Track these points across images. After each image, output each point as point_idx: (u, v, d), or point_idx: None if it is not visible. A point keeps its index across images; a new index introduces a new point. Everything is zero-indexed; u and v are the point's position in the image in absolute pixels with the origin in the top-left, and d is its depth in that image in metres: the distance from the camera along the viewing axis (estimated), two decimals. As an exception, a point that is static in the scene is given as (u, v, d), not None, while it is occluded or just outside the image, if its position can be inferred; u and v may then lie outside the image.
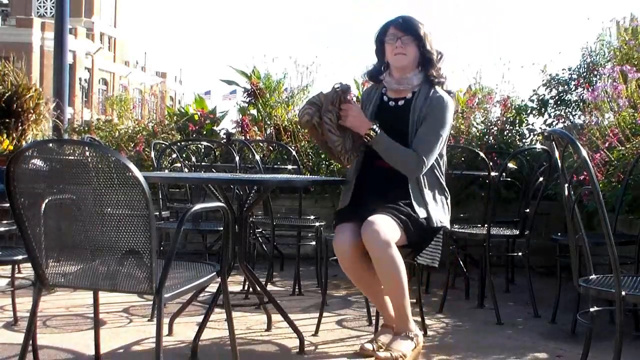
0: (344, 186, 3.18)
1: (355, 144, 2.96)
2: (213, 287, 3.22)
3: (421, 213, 2.93)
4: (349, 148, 2.94)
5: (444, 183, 3.09)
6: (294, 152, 5.68)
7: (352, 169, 3.11)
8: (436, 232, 2.99)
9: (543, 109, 6.22)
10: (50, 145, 2.21)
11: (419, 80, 3.05)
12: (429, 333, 3.38)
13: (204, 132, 7.36)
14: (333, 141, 2.90)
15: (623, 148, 3.97)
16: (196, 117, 7.52)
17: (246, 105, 7.48)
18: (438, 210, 3.01)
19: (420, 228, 2.92)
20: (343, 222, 2.93)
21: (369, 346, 2.88)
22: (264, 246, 5.15)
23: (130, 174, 2.01)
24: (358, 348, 2.96)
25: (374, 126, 2.93)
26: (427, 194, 2.99)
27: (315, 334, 3.25)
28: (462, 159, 5.49)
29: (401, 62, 3.03)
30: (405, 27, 3.01)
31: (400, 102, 3.08)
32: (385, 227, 2.76)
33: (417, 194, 2.97)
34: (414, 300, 3.98)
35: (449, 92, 3.09)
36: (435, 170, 3.05)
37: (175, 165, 5.89)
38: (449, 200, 3.11)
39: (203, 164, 6.09)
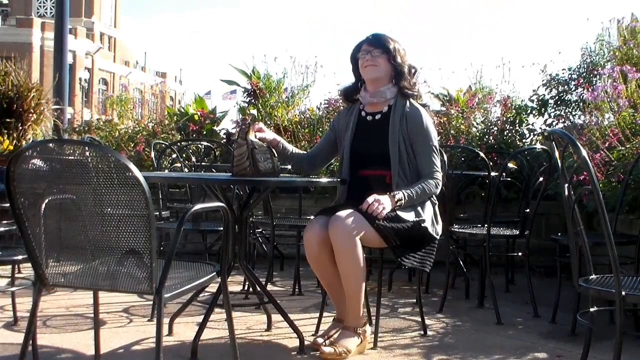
0: (340, 187, 3.28)
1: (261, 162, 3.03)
2: (213, 287, 3.23)
3: (405, 216, 2.98)
4: (263, 169, 3.02)
5: None
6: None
7: (342, 174, 3.25)
8: (424, 236, 3.03)
9: (543, 109, 6.23)
10: (50, 145, 2.20)
11: (392, 94, 3.21)
12: (429, 333, 3.39)
13: (204, 132, 7.36)
14: (245, 167, 3.00)
15: (623, 148, 3.97)
16: (196, 117, 7.51)
17: (246, 105, 7.48)
18: (423, 214, 3.05)
19: (402, 231, 2.97)
20: (319, 215, 3.09)
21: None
22: (264, 246, 5.15)
23: (130, 174, 2.01)
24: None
25: (396, 196, 2.97)
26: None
27: (315, 334, 3.25)
28: (462, 159, 5.49)
29: (372, 73, 3.19)
30: (375, 42, 3.19)
31: (378, 116, 3.23)
32: (351, 222, 2.87)
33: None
34: (414, 300, 4.00)
35: (424, 105, 3.23)
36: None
37: (175, 165, 5.89)
38: (436, 207, 3.16)
39: (203, 164, 6.09)
